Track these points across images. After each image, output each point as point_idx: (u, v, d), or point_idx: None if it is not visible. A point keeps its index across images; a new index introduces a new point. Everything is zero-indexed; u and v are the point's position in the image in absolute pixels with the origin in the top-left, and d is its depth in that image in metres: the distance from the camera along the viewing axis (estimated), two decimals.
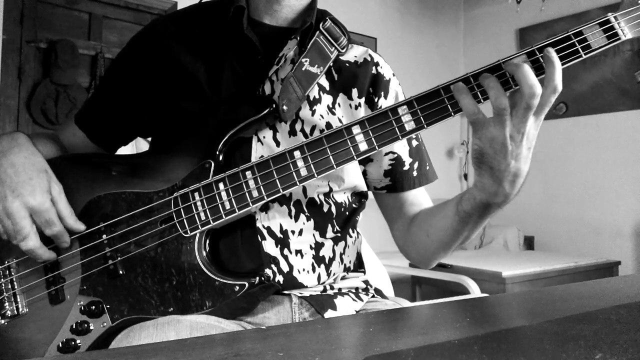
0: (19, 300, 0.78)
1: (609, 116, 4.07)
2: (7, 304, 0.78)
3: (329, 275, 0.85)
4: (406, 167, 0.94)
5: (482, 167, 0.71)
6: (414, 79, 4.03)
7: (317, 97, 0.86)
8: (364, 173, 0.95)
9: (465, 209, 0.78)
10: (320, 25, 0.87)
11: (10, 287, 0.79)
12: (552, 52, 0.66)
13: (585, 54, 0.69)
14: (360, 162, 0.94)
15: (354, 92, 0.89)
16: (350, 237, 0.91)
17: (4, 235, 0.77)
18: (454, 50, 5.11)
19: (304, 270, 0.82)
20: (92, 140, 0.95)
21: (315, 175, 0.73)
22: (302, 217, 0.83)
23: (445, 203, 0.86)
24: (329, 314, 0.81)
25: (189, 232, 0.75)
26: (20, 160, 0.77)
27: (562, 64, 0.67)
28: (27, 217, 0.75)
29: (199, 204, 0.75)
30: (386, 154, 0.93)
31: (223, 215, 0.74)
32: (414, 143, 0.95)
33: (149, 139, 0.96)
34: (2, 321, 0.78)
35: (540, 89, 0.65)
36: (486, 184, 0.72)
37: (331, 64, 0.87)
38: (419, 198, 0.97)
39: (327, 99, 0.87)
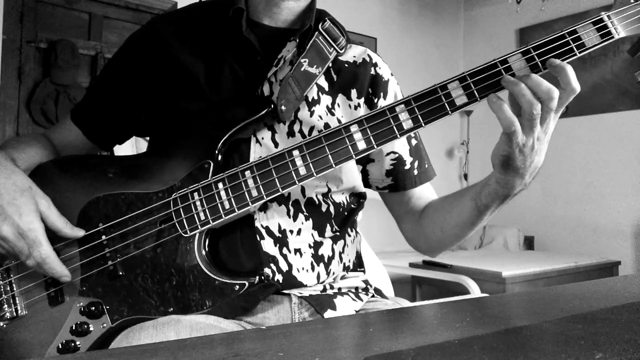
0: (17, 302, 0.78)
1: (609, 116, 4.08)
2: (5, 306, 0.78)
3: (328, 274, 0.85)
4: (407, 167, 0.94)
5: (509, 168, 0.73)
6: (414, 79, 4.02)
7: (315, 98, 0.86)
8: (366, 173, 0.95)
9: (485, 203, 0.80)
10: (320, 25, 0.87)
11: (9, 289, 0.78)
12: (556, 61, 0.68)
13: (579, 52, 0.70)
14: (362, 162, 0.94)
15: (353, 92, 0.89)
16: (349, 236, 0.91)
17: (9, 255, 0.76)
18: (454, 50, 5.12)
19: (303, 269, 0.82)
20: (87, 137, 0.94)
21: (314, 174, 0.73)
22: (301, 216, 0.83)
23: (456, 198, 0.88)
24: (329, 313, 0.81)
25: (188, 232, 0.75)
26: (1, 182, 0.75)
27: None
28: (20, 237, 0.73)
29: (198, 203, 0.75)
30: (387, 154, 0.93)
31: (222, 215, 0.74)
32: (413, 142, 0.96)
33: (148, 138, 0.96)
34: (1, 323, 0.78)
35: (557, 91, 0.67)
36: (510, 180, 0.75)
37: (330, 65, 0.87)
38: (425, 192, 0.98)
39: (326, 100, 0.87)
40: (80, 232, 0.77)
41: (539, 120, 0.69)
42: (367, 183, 0.97)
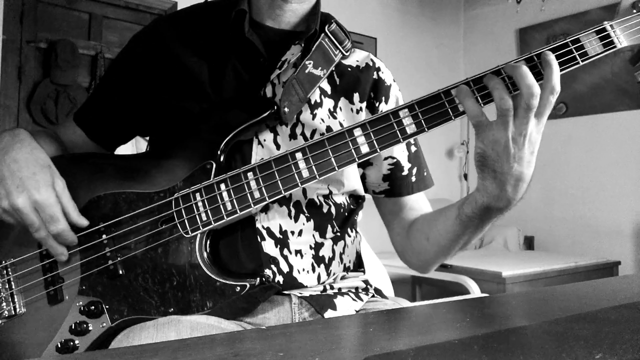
0: (16, 300, 0.78)
1: (609, 116, 4.07)
2: (4, 304, 0.78)
3: (328, 275, 0.85)
4: (405, 172, 0.94)
5: (485, 170, 0.71)
6: (414, 79, 4.02)
7: (318, 101, 0.86)
8: (363, 176, 0.95)
9: (467, 213, 0.78)
10: (326, 27, 0.87)
11: (7, 287, 0.79)
12: (549, 55, 0.68)
13: (582, 61, 0.71)
14: (360, 166, 0.94)
15: (356, 96, 0.89)
16: (349, 236, 0.91)
17: (18, 225, 0.77)
18: (454, 50, 5.11)
19: (303, 270, 0.82)
20: (90, 138, 0.95)
21: (317, 176, 0.73)
22: (302, 217, 0.83)
23: (446, 207, 0.86)
24: (329, 313, 0.81)
25: (190, 232, 0.75)
26: (23, 156, 0.77)
27: (561, 70, 0.69)
28: (34, 211, 0.75)
29: (200, 204, 0.75)
30: (385, 158, 0.93)
31: (224, 216, 0.74)
32: (413, 149, 0.95)
33: (148, 138, 0.96)
34: (0, 321, 0.78)
35: (539, 89, 0.66)
36: (489, 187, 0.72)
37: (333, 68, 0.87)
38: (419, 203, 0.97)
39: (328, 103, 0.87)
40: (84, 221, 0.77)
41: (511, 118, 0.67)
42: (364, 187, 0.97)
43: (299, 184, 0.74)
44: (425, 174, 0.97)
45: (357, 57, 0.93)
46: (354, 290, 0.89)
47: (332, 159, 0.73)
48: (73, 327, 0.75)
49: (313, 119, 0.85)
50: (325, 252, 0.85)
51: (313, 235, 0.84)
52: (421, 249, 0.90)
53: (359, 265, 0.94)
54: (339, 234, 0.88)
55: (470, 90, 0.70)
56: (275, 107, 0.79)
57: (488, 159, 0.70)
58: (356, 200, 0.95)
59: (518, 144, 0.68)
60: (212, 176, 0.76)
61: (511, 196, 0.72)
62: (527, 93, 0.66)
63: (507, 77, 0.69)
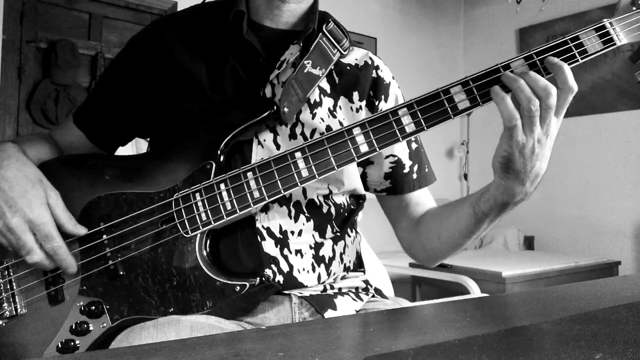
0: (17, 300, 0.78)
1: (609, 116, 4.07)
2: (5, 304, 0.78)
3: (329, 274, 0.85)
4: (406, 170, 0.94)
5: (510, 171, 0.72)
6: (414, 79, 4.03)
7: (317, 100, 0.86)
8: (365, 175, 0.95)
9: (483, 210, 0.79)
10: (324, 27, 0.87)
11: (8, 287, 0.79)
12: (554, 59, 0.69)
13: (582, 59, 0.71)
14: (361, 165, 0.94)
15: (355, 95, 0.89)
16: (349, 236, 0.91)
17: (9, 247, 0.76)
18: (454, 50, 5.12)
19: (304, 270, 0.82)
20: (90, 140, 0.94)
21: (317, 176, 0.73)
22: (302, 217, 0.83)
23: (455, 205, 0.87)
24: (329, 313, 0.81)
25: (189, 232, 0.75)
26: (12, 173, 0.76)
27: None
28: (28, 231, 0.74)
29: (200, 204, 0.75)
30: (387, 156, 0.93)
31: (224, 216, 0.74)
32: (414, 146, 0.95)
33: (148, 139, 0.96)
34: (1, 322, 0.78)
35: (555, 88, 0.67)
36: (510, 186, 0.74)
37: (332, 67, 0.87)
38: (423, 198, 0.97)
39: (328, 102, 0.87)
40: (82, 230, 0.77)
41: (538, 119, 0.68)
42: (365, 186, 0.97)
43: (299, 183, 0.74)
44: (426, 170, 0.97)
45: (355, 56, 0.93)
46: (354, 290, 0.89)
47: (332, 159, 0.73)
48: (74, 327, 0.75)
49: (313, 118, 0.85)
50: (326, 252, 0.85)
51: (313, 235, 0.84)
52: (432, 246, 0.91)
53: (359, 265, 0.94)
54: (338, 234, 0.88)
55: (467, 90, 0.70)
56: (275, 107, 0.79)
57: (515, 162, 0.71)
58: (357, 200, 0.95)
59: (542, 144, 0.70)
60: (211, 176, 0.76)
61: (529, 190, 0.74)
62: (545, 95, 0.67)
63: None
